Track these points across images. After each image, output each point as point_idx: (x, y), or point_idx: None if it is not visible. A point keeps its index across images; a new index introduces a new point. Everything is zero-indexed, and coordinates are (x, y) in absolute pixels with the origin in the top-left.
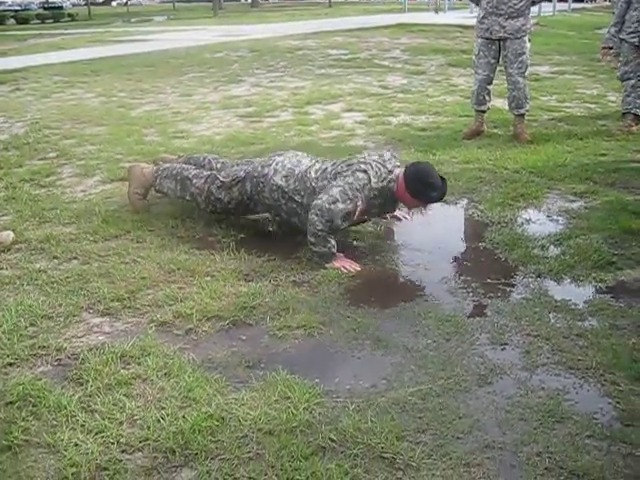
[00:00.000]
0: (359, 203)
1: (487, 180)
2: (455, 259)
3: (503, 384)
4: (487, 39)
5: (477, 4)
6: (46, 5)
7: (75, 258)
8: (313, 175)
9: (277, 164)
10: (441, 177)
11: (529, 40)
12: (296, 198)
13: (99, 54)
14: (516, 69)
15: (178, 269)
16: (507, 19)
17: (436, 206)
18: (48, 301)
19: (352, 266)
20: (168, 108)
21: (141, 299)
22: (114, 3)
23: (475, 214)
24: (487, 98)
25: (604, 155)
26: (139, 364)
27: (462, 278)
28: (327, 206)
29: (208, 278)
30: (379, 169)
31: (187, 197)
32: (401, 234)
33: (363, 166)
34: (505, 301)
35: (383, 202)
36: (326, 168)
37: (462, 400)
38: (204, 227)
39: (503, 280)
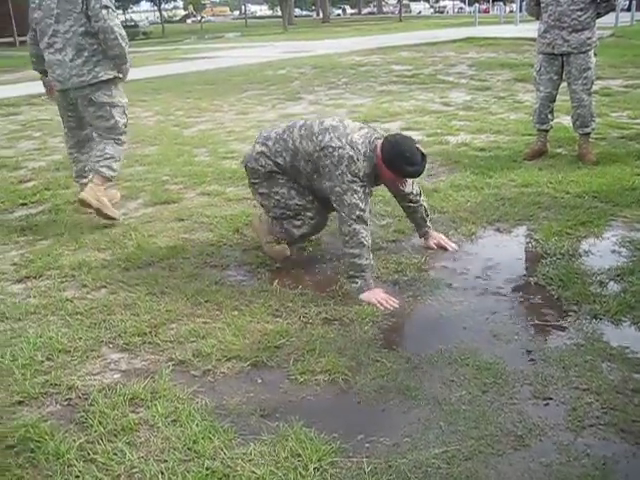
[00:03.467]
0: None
1: (546, 206)
2: (502, 296)
3: (542, 448)
4: (549, 54)
5: (538, 17)
6: (123, 25)
7: (104, 287)
8: (296, 133)
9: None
10: (422, 153)
11: (595, 54)
12: (278, 161)
13: (164, 72)
14: (581, 85)
15: (206, 302)
16: (571, 32)
17: (487, 235)
18: (69, 334)
19: (389, 302)
20: (223, 127)
21: (163, 334)
22: (189, 21)
23: (529, 244)
24: (550, 117)
25: None
26: (148, 408)
27: (507, 318)
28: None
29: (235, 313)
30: (362, 147)
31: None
32: (446, 266)
33: (348, 151)
34: (553, 347)
35: (372, 179)
36: (311, 126)
37: (493, 466)
38: (241, 254)
39: (553, 322)
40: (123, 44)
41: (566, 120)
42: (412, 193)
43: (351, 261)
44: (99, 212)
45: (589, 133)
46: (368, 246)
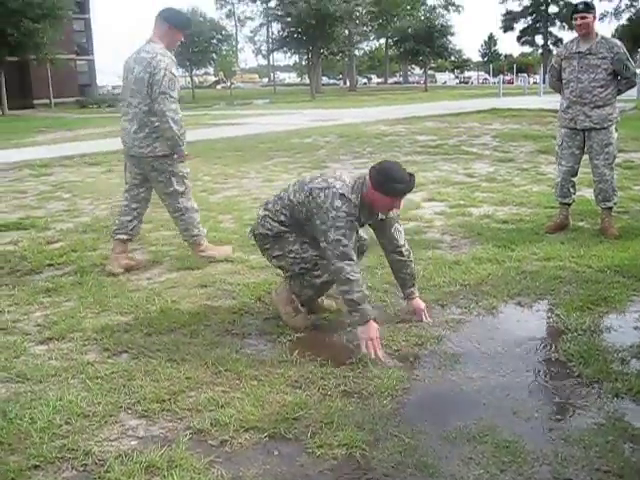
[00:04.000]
0: (339, 223)
1: (567, 280)
2: (523, 372)
3: None
4: (571, 129)
5: (559, 92)
6: None
7: (125, 351)
8: (290, 189)
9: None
10: (409, 174)
11: (616, 129)
12: (281, 219)
13: (193, 137)
14: (602, 160)
15: (226, 370)
16: (593, 108)
17: (508, 309)
18: (88, 398)
19: (374, 349)
20: (249, 194)
21: (182, 402)
22: (219, 86)
23: (551, 319)
24: (572, 190)
25: None
26: (164, 477)
27: (528, 395)
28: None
29: (255, 382)
30: (350, 183)
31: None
32: (467, 341)
33: (334, 188)
34: (574, 426)
35: (366, 212)
36: (303, 180)
37: None
38: (262, 323)
39: (574, 400)
40: (175, 128)
41: (588, 193)
42: (404, 246)
43: (344, 298)
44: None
45: (611, 207)
46: (356, 280)
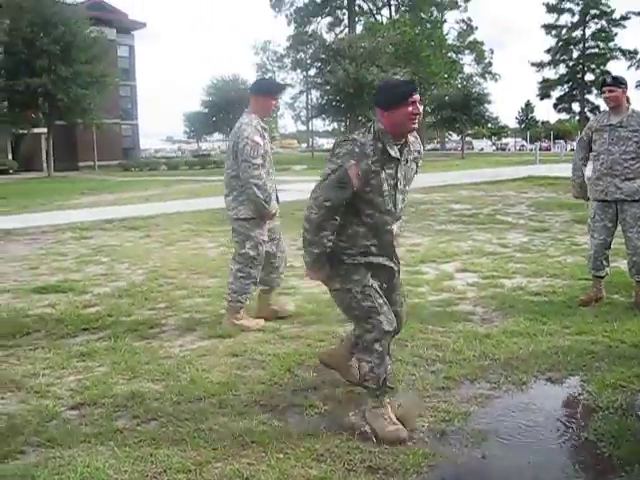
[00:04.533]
0: (349, 164)
1: (600, 356)
2: (551, 452)
3: None
4: (603, 201)
5: (579, 170)
6: (196, 153)
7: (154, 419)
8: None
9: None
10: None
11: None
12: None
13: None
14: (636, 233)
15: (252, 442)
16: (623, 180)
17: (539, 385)
18: (116, 465)
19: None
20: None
21: (207, 473)
22: None
23: (581, 396)
24: (605, 263)
25: None
26: None
27: (556, 477)
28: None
29: (280, 455)
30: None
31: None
32: (494, 417)
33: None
34: None
35: (382, 146)
36: None
37: None
38: (291, 395)
39: None
40: (258, 193)
41: (623, 264)
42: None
43: (303, 233)
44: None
45: None
46: (316, 223)
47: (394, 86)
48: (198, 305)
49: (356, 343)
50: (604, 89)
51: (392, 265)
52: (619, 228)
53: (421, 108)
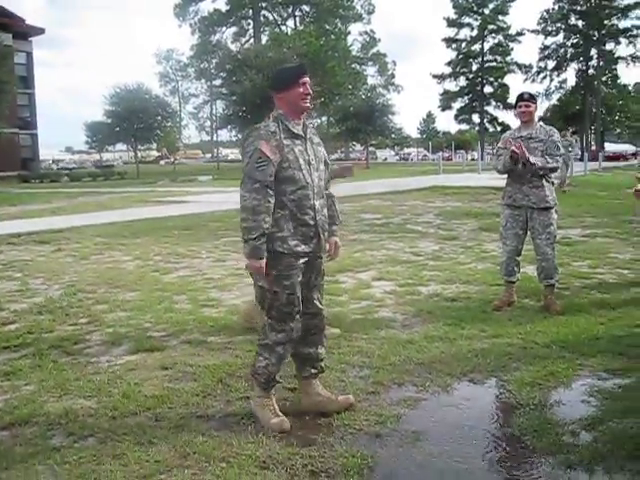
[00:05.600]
0: (261, 143)
1: (516, 357)
2: (480, 447)
3: None
4: (514, 209)
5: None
6: (98, 164)
7: (91, 435)
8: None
9: None
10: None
11: (556, 212)
12: None
13: (141, 215)
14: (545, 240)
15: (194, 453)
16: (531, 188)
17: (462, 386)
18: None
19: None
20: (201, 274)
21: None
22: (162, 162)
23: (503, 395)
24: (516, 269)
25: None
26: None
27: (487, 470)
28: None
29: (223, 464)
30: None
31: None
32: (425, 418)
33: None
34: None
35: (284, 127)
36: None
37: None
38: (225, 405)
39: (529, 472)
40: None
41: (531, 270)
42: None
43: (240, 225)
44: None
45: (553, 284)
46: (251, 207)
47: (285, 70)
48: (121, 319)
49: (260, 338)
50: (521, 104)
51: (318, 254)
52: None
53: (324, 118)
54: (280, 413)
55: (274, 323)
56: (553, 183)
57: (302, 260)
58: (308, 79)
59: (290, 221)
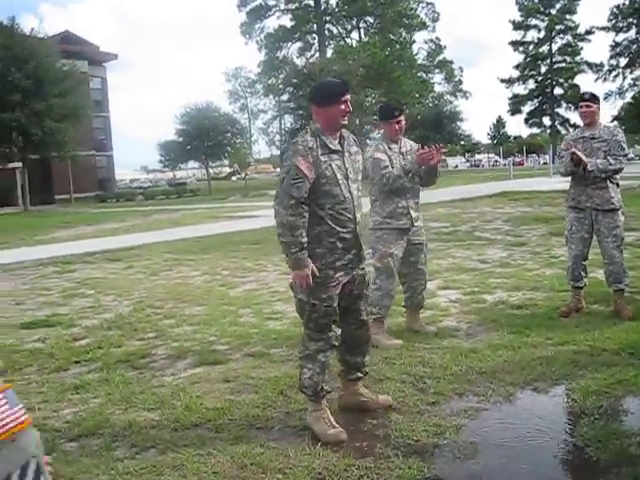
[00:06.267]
0: (298, 160)
1: (583, 364)
2: (542, 459)
3: None
4: (578, 212)
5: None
6: (172, 182)
7: (153, 447)
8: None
9: None
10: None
11: (622, 213)
12: None
13: (211, 231)
14: (611, 243)
15: (251, 464)
16: (595, 189)
17: (525, 396)
18: None
19: (307, 282)
20: (267, 287)
21: None
22: (234, 178)
23: (568, 404)
24: (583, 274)
25: None
26: None
27: None
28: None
29: (280, 476)
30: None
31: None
32: (485, 429)
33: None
34: None
35: (322, 141)
36: None
37: None
38: (285, 416)
39: None
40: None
41: (600, 274)
42: None
43: (280, 240)
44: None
45: (623, 289)
46: (287, 224)
47: (329, 85)
48: (186, 333)
49: (301, 350)
50: (582, 104)
51: (359, 270)
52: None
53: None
54: (336, 424)
55: (312, 333)
56: (618, 184)
57: (340, 273)
58: (349, 97)
59: (328, 237)
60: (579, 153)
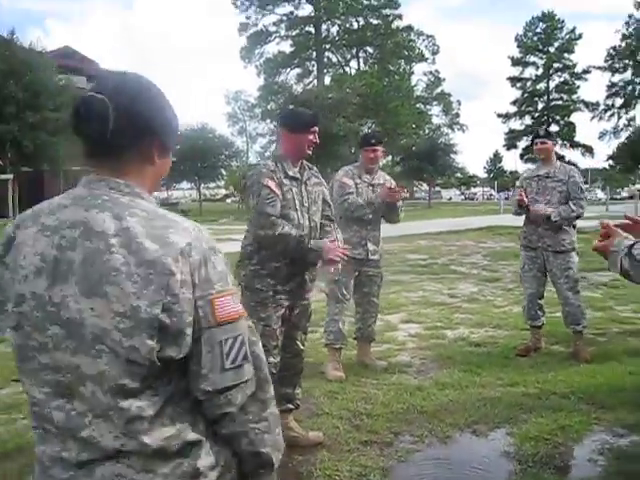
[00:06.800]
0: (265, 180)
1: (529, 407)
2: None
3: None
4: (530, 251)
5: (518, 214)
6: (165, 202)
7: None
8: None
9: None
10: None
11: (577, 254)
12: None
13: None
14: (564, 284)
15: None
16: (546, 230)
17: (462, 439)
18: None
19: (336, 254)
20: None
21: None
22: (229, 200)
23: (504, 449)
24: (540, 313)
25: None
26: None
27: None
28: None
29: None
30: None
31: None
32: (413, 472)
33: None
34: None
35: (282, 168)
36: None
37: None
38: None
39: None
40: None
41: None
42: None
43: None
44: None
45: (581, 331)
46: (278, 235)
47: (302, 114)
48: None
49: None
50: (536, 141)
51: (302, 300)
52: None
53: (389, 157)
54: None
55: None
56: (575, 226)
57: (281, 296)
58: (317, 129)
59: (276, 260)
60: (526, 201)
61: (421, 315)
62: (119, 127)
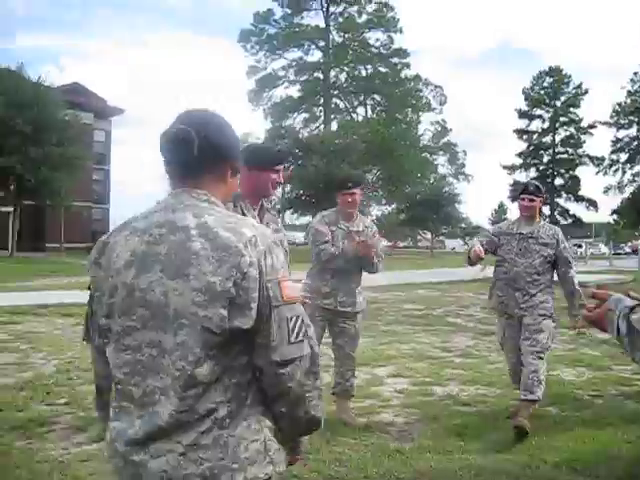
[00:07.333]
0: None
1: (514, 476)
2: None
3: None
4: (508, 318)
5: (474, 264)
6: None
7: None
8: None
9: None
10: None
11: (553, 321)
12: None
13: None
14: (529, 347)
15: None
16: (524, 295)
17: None
18: None
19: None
20: None
21: None
22: None
23: None
24: None
25: None
26: None
27: None
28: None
29: None
30: None
31: None
32: None
33: None
34: None
35: (240, 208)
36: None
37: None
38: None
39: None
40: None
41: (565, 372)
42: None
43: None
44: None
45: (531, 401)
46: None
47: (267, 150)
48: None
49: None
50: (524, 197)
51: None
52: None
53: (394, 205)
54: None
55: None
56: (553, 292)
57: None
58: (282, 168)
59: None
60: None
61: (410, 369)
62: (201, 154)
